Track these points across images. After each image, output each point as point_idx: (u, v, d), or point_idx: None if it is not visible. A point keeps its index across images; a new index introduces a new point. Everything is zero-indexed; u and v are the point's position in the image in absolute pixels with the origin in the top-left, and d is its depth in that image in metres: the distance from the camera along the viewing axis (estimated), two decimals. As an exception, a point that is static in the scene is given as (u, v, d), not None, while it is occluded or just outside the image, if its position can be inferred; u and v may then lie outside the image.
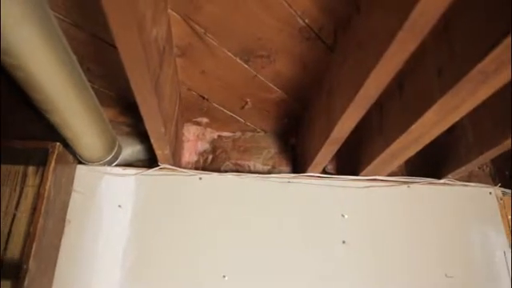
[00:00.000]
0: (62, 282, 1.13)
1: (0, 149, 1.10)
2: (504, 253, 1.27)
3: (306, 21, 0.90)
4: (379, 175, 1.28)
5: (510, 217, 1.33)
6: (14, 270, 1.00)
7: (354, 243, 1.24)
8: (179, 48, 1.01)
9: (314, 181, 1.29)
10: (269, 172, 1.38)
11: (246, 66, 1.07)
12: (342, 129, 0.96)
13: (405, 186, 1.32)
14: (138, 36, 0.61)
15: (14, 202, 1.12)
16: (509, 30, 0.57)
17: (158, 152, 1.13)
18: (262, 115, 1.34)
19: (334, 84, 0.97)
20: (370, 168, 1.21)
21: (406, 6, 0.57)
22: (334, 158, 1.34)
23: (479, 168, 1.47)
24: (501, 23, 0.59)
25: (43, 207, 1.03)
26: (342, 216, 1.27)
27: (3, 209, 1.10)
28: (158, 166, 1.22)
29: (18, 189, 1.13)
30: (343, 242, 1.24)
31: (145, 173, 1.25)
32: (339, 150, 1.10)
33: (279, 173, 1.36)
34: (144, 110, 0.87)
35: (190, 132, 1.42)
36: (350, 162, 1.33)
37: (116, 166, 1.25)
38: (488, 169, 1.47)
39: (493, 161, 1.46)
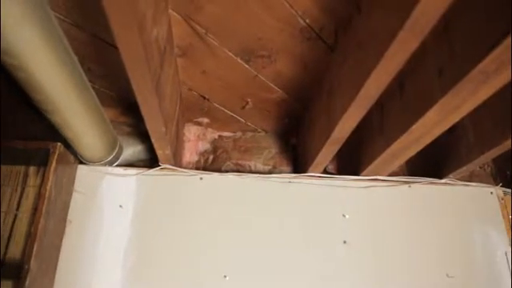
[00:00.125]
0: (63, 282, 1.13)
1: (1, 149, 1.10)
2: (505, 253, 1.27)
3: (307, 21, 0.90)
4: (380, 175, 1.28)
5: (511, 217, 1.32)
6: (16, 270, 1.01)
7: (355, 243, 1.24)
8: (180, 48, 1.01)
9: (314, 181, 1.29)
10: (270, 172, 1.38)
11: (247, 66, 1.07)
12: (342, 129, 0.96)
13: (406, 186, 1.32)
14: (139, 36, 0.61)
15: (15, 202, 1.12)
16: (509, 30, 0.57)
17: (159, 152, 1.13)
18: (263, 115, 1.34)
19: (335, 84, 0.97)
20: (370, 168, 1.21)
21: (406, 6, 0.57)
22: (335, 157, 1.34)
23: (480, 168, 1.47)
24: (501, 23, 0.59)
25: (44, 207, 1.04)
26: (343, 216, 1.27)
27: (4, 209, 1.11)
28: (159, 166, 1.22)
29: (19, 189, 1.14)
30: (344, 242, 1.24)
31: (146, 173, 1.25)
32: (340, 150, 1.10)
33: (280, 173, 1.36)
34: (145, 110, 0.87)
35: (191, 132, 1.42)
36: (350, 162, 1.33)
37: (117, 166, 1.25)
38: (489, 168, 1.47)
39: (494, 160, 1.46)
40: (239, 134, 1.45)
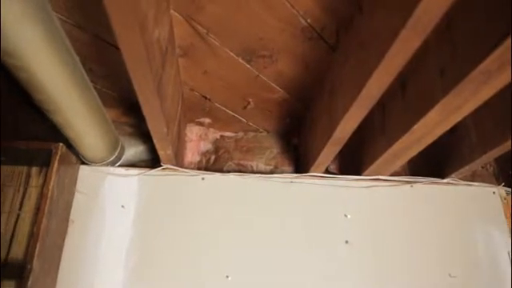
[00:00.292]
0: (66, 282, 1.13)
1: (3, 149, 1.10)
2: (508, 252, 1.27)
3: (309, 21, 0.90)
4: (382, 175, 1.28)
5: (513, 216, 1.32)
6: (18, 270, 1.01)
7: (357, 243, 1.24)
8: (181, 48, 1.01)
9: (316, 181, 1.29)
10: (271, 172, 1.38)
11: (248, 66, 1.07)
12: (344, 129, 0.96)
13: (408, 186, 1.32)
14: (141, 36, 0.61)
15: (18, 203, 1.12)
16: (509, 31, 0.57)
17: (161, 152, 1.13)
18: (265, 115, 1.34)
19: (336, 84, 0.97)
20: (372, 168, 1.21)
21: (409, 4, 0.57)
22: (337, 157, 1.34)
23: (483, 167, 1.46)
24: (501, 24, 0.59)
25: (46, 207, 1.04)
26: (345, 216, 1.27)
27: (7, 209, 1.11)
28: (161, 166, 1.22)
29: (21, 189, 1.14)
30: (346, 241, 1.24)
31: (147, 173, 1.25)
32: (342, 150, 1.10)
33: (282, 173, 1.36)
34: (146, 111, 0.87)
35: (193, 132, 1.42)
36: (352, 162, 1.33)
37: (119, 166, 1.26)
38: (491, 168, 1.47)
39: (496, 160, 1.46)
40: (241, 134, 1.45)
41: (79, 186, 1.22)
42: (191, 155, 1.40)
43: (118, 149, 1.19)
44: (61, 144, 1.10)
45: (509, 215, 1.31)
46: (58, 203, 1.11)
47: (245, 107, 1.29)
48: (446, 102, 0.76)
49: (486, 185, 1.35)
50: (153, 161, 1.29)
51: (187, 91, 1.21)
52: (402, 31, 0.60)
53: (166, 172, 1.25)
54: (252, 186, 1.28)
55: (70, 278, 1.14)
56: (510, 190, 1.35)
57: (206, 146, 1.42)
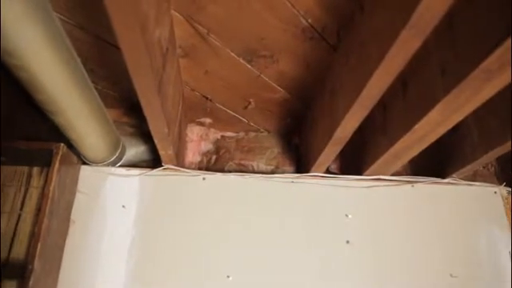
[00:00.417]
0: (67, 282, 1.13)
1: (5, 149, 1.10)
2: (509, 252, 1.26)
3: (309, 21, 0.90)
4: (383, 175, 1.28)
5: (514, 216, 1.32)
6: (20, 270, 1.01)
7: (358, 243, 1.24)
8: (182, 49, 1.01)
9: (317, 181, 1.29)
10: (272, 172, 1.38)
11: (249, 66, 1.07)
12: (345, 129, 0.96)
13: (409, 186, 1.32)
14: (141, 37, 0.61)
15: (19, 203, 1.13)
16: (509, 31, 0.57)
17: (162, 152, 1.13)
18: (266, 115, 1.34)
19: (337, 84, 0.97)
20: (373, 168, 1.21)
21: (409, 5, 0.57)
22: (338, 157, 1.34)
23: (484, 167, 1.46)
24: (501, 24, 0.59)
25: (48, 208, 1.04)
26: (346, 216, 1.27)
27: (8, 209, 1.11)
28: (162, 166, 1.22)
29: (22, 189, 1.14)
30: (347, 241, 1.24)
31: (148, 173, 1.25)
32: (343, 150, 1.10)
33: (283, 173, 1.36)
34: (147, 111, 0.87)
35: (194, 132, 1.42)
36: (353, 162, 1.33)
37: (120, 166, 1.26)
38: (493, 168, 1.47)
39: (498, 160, 1.45)
40: (242, 134, 1.45)
41: (80, 186, 1.23)
42: (192, 155, 1.40)
43: (119, 149, 1.19)
44: (62, 144, 1.11)
45: (510, 215, 1.31)
46: (59, 203, 1.11)
47: (246, 107, 1.29)
48: (447, 102, 0.76)
49: (488, 184, 1.35)
50: (154, 161, 1.29)
51: (188, 91, 1.21)
52: (403, 32, 0.60)
53: (167, 172, 1.25)
54: (253, 186, 1.28)
55: (71, 278, 1.14)
56: (511, 189, 1.35)
57: (206, 146, 1.42)
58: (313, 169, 1.25)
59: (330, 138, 1.01)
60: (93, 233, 1.19)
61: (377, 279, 1.21)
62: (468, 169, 1.22)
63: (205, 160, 1.40)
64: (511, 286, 1.22)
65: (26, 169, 1.16)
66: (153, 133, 0.99)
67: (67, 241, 1.17)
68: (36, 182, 1.15)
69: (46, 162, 1.11)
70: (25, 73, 0.73)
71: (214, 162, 1.40)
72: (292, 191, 1.28)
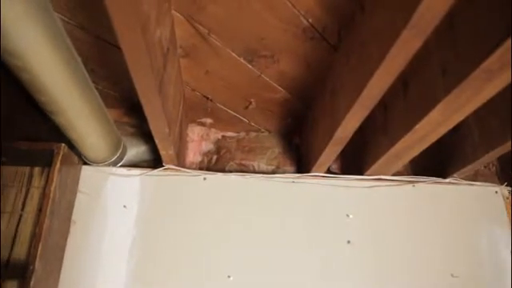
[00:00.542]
0: (68, 282, 1.14)
1: (6, 150, 1.10)
2: (510, 252, 1.26)
3: (310, 20, 0.90)
4: (384, 175, 1.28)
5: (516, 216, 1.32)
6: (21, 271, 1.01)
7: (359, 243, 1.24)
8: (183, 49, 1.01)
9: (318, 181, 1.29)
10: (273, 172, 1.38)
11: (250, 66, 1.07)
12: (346, 128, 0.96)
13: (410, 186, 1.31)
14: (142, 37, 0.61)
15: (20, 203, 1.13)
16: (509, 32, 0.57)
17: (163, 152, 1.13)
18: (266, 115, 1.34)
19: (338, 84, 0.97)
20: (374, 167, 1.21)
21: (410, 5, 0.57)
22: (339, 157, 1.34)
23: (485, 167, 1.46)
24: (501, 24, 0.59)
25: (49, 208, 1.04)
26: (347, 216, 1.27)
27: (9, 209, 1.11)
28: (163, 166, 1.23)
29: (23, 190, 1.14)
30: (348, 241, 1.24)
31: (149, 173, 1.26)
32: (343, 150, 1.10)
33: (283, 173, 1.36)
34: (148, 111, 0.87)
35: (195, 132, 1.42)
36: (354, 162, 1.33)
37: (121, 166, 1.26)
38: (494, 168, 1.46)
39: (499, 160, 1.45)
40: (242, 134, 1.45)
41: (81, 186, 1.23)
42: (193, 155, 1.40)
43: (120, 149, 1.19)
44: (63, 144, 1.11)
45: (511, 214, 1.31)
46: (60, 203, 1.11)
47: (246, 107, 1.29)
48: (448, 102, 0.76)
49: (489, 184, 1.35)
50: (155, 161, 1.29)
51: (189, 91, 1.21)
52: (404, 32, 0.60)
53: (168, 172, 1.25)
54: (254, 186, 1.28)
55: (72, 278, 1.14)
56: (512, 189, 1.34)
57: (207, 146, 1.42)
58: (314, 169, 1.25)
59: (330, 137, 1.01)
60: (94, 233, 1.19)
61: (378, 279, 1.21)
62: (469, 169, 1.22)
63: (205, 160, 1.40)
64: (512, 285, 1.22)
65: (27, 169, 1.17)
66: (154, 133, 0.99)
67: (68, 241, 1.17)
68: (37, 182, 1.15)
69: (47, 163, 1.11)
70: (26, 74, 0.73)
71: (215, 162, 1.40)
72: (293, 191, 1.28)
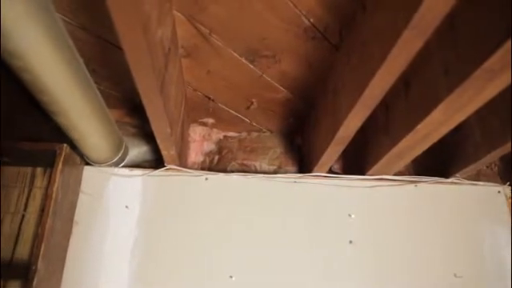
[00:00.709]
0: (70, 283, 1.14)
1: (8, 150, 1.11)
2: (513, 252, 1.26)
3: (311, 20, 0.90)
4: (386, 175, 1.28)
5: (518, 216, 1.31)
6: (23, 271, 1.02)
7: (361, 243, 1.24)
8: (184, 49, 1.01)
9: (320, 181, 1.29)
10: (275, 172, 1.38)
11: (252, 66, 1.07)
12: (347, 128, 0.96)
13: (412, 186, 1.31)
14: (143, 37, 0.61)
15: (23, 203, 1.13)
16: (509, 32, 0.57)
17: (164, 153, 1.13)
18: (268, 115, 1.34)
19: (340, 83, 0.97)
20: (376, 167, 1.20)
21: (411, 5, 0.57)
22: (341, 157, 1.33)
23: (487, 167, 1.45)
24: (501, 24, 0.59)
25: (51, 208, 1.04)
26: (349, 216, 1.27)
27: (12, 210, 1.12)
28: (165, 166, 1.23)
29: (26, 190, 1.15)
30: (350, 241, 1.24)
31: (151, 173, 1.26)
32: (345, 150, 1.09)
33: (285, 173, 1.36)
34: (150, 111, 0.87)
35: (196, 132, 1.42)
36: (356, 162, 1.33)
37: (123, 166, 1.26)
38: (496, 168, 1.46)
39: (501, 159, 1.45)
40: (244, 134, 1.45)
41: (83, 186, 1.23)
42: (195, 155, 1.40)
43: (122, 149, 1.19)
44: (65, 145, 1.11)
45: (514, 214, 1.31)
46: (63, 204, 1.11)
47: (248, 107, 1.29)
48: (449, 101, 0.76)
49: (491, 184, 1.34)
50: (156, 161, 1.29)
51: (190, 91, 1.21)
52: (405, 32, 0.60)
53: (170, 172, 1.25)
54: (255, 186, 1.28)
55: (74, 279, 1.15)
56: (515, 189, 1.34)
57: (209, 146, 1.42)
58: (315, 169, 1.24)
59: (332, 137, 1.01)
60: (96, 233, 1.19)
61: (380, 279, 1.21)
62: (471, 168, 1.22)
63: (207, 160, 1.40)
64: (514, 285, 1.22)
65: (29, 169, 1.17)
66: (155, 133, 0.99)
67: (71, 241, 1.17)
68: (39, 182, 1.16)
69: (49, 163, 1.11)
70: (28, 74, 0.73)
71: (217, 162, 1.40)
72: (294, 191, 1.28)
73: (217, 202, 1.25)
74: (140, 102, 0.82)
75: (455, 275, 1.22)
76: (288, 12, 0.88)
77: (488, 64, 0.63)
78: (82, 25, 0.95)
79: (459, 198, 1.31)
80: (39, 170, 1.17)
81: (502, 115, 1.01)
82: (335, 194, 1.28)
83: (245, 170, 1.38)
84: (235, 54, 1.02)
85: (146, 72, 0.71)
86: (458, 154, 1.24)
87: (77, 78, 0.82)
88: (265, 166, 1.40)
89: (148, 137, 1.26)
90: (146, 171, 1.26)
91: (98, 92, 0.94)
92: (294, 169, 1.41)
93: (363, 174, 1.28)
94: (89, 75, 0.87)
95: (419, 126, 0.88)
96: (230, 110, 1.32)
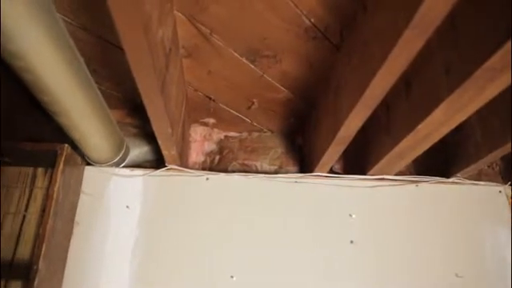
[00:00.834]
0: (71, 283, 1.14)
1: (9, 150, 1.11)
2: (514, 252, 1.26)
3: (312, 20, 0.90)
4: (387, 174, 1.27)
5: (520, 216, 1.31)
6: (25, 271, 1.02)
7: (362, 243, 1.24)
8: (185, 49, 1.01)
9: (321, 181, 1.29)
10: (276, 172, 1.38)
11: (253, 66, 1.07)
12: (348, 128, 0.95)
13: (413, 186, 1.31)
14: (144, 37, 0.61)
15: (24, 204, 1.13)
16: (509, 33, 0.57)
17: (165, 153, 1.13)
18: (269, 115, 1.34)
19: (341, 83, 0.97)
20: (377, 167, 1.20)
21: (412, 4, 0.57)
22: (341, 157, 1.33)
23: (488, 166, 1.45)
24: (502, 24, 0.59)
25: (52, 208, 1.04)
26: (350, 216, 1.27)
27: (13, 210, 1.12)
28: (166, 166, 1.23)
29: (27, 190, 1.15)
30: (351, 241, 1.24)
31: (152, 174, 1.26)
32: (346, 150, 1.09)
33: (286, 173, 1.36)
34: (151, 111, 0.87)
35: (197, 132, 1.42)
36: (357, 162, 1.33)
37: (124, 167, 1.26)
38: (497, 167, 1.46)
39: (502, 159, 1.45)
40: (245, 134, 1.45)
41: (84, 186, 1.23)
42: (196, 155, 1.40)
43: (123, 150, 1.19)
44: (66, 145, 1.11)
45: (515, 214, 1.30)
46: (64, 204, 1.11)
47: (249, 107, 1.29)
48: (451, 101, 0.76)
49: (492, 184, 1.34)
50: (157, 161, 1.29)
51: (191, 92, 1.21)
52: (406, 31, 0.60)
53: (171, 172, 1.25)
54: (256, 186, 1.28)
55: (75, 279, 1.15)
56: (516, 188, 1.34)
57: (210, 146, 1.42)
58: (316, 169, 1.24)
59: (333, 137, 1.01)
60: (97, 233, 1.19)
61: (381, 279, 1.20)
62: (472, 168, 1.22)
63: (208, 160, 1.40)
64: (516, 285, 1.22)
65: (30, 170, 1.17)
66: (156, 133, 0.99)
67: (72, 241, 1.18)
68: (40, 182, 1.16)
69: (50, 163, 1.11)
70: (29, 74, 0.73)
71: (218, 162, 1.40)
72: (295, 191, 1.28)
73: (218, 202, 1.25)
74: (141, 102, 0.82)
75: (456, 275, 1.22)
76: (289, 12, 0.88)
77: (489, 63, 0.63)
78: (82, 25, 0.95)
79: (460, 197, 1.31)
80: (40, 170, 1.17)
81: (502, 115, 1.01)
82: (336, 194, 1.28)
83: (246, 170, 1.38)
84: (236, 54, 1.02)
85: (146, 72, 0.71)
86: (459, 153, 1.24)
87: (78, 78, 0.82)
88: (266, 166, 1.40)
89: (149, 137, 1.26)
90: (147, 171, 1.26)
91: (98, 92, 0.94)
92: (294, 169, 1.41)
93: (364, 173, 1.28)
94: (90, 75, 0.87)
95: (420, 126, 0.88)
96: (231, 110, 1.32)
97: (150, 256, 1.19)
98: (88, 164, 1.24)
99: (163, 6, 0.75)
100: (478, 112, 0.82)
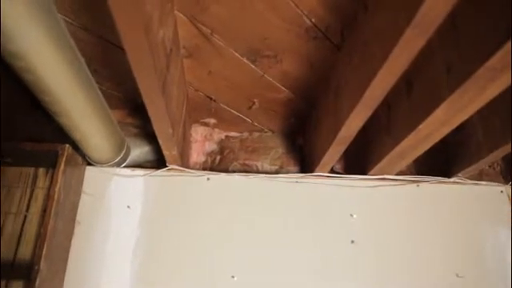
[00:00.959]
0: (73, 283, 1.14)
1: (10, 151, 1.11)
2: (515, 251, 1.26)
3: (313, 20, 0.90)
4: (388, 174, 1.27)
5: (521, 215, 1.31)
6: (26, 271, 1.02)
7: (363, 243, 1.23)
8: (186, 49, 1.01)
9: (322, 181, 1.29)
10: (276, 172, 1.38)
11: (253, 66, 1.07)
12: (349, 128, 0.95)
13: (414, 185, 1.31)
14: (145, 37, 0.61)
15: (25, 204, 1.13)
16: (509, 33, 0.57)
17: (166, 153, 1.13)
18: (270, 115, 1.34)
19: (341, 83, 0.97)
20: (378, 167, 1.20)
21: (413, 4, 0.57)
22: (342, 157, 1.33)
23: (490, 166, 1.45)
24: (502, 25, 0.59)
25: (53, 209, 1.04)
26: (351, 216, 1.27)
27: (14, 210, 1.12)
28: (166, 166, 1.23)
29: (28, 190, 1.15)
30: (352, 241, 1.24)
31: (153, 174, 1.26)
32: (347, 150, 1.09)
33: (287, 173, 1.36)
34: (152, 112, 0.87)
35: (198, 133, 1.42)
36: (358, 162, 1.33)
37: (125, 167, 1.26)
38: (499, 167, 1.46)
39: (504, 159, 1.44)
40: (246, 134, 1.45)
41: (85, 187, 1.23)
42: (196, 156, 1.40)
43: (124, 150, 1.19)
44: (67, 145, 1.11)
45: (516, 214, 1.30)
46: (65, 204, 1.11)
47: (250, 107, 1.29)
48: (452, 101, 0.76)
49: (494, 184, 1.34)
50: (158, 161, 1.29)
51: (192, 92, 1.21)
52: (406, 31, 0.60)
53: (172, 172, 1.25)
54: (257, 186, 1.28)
55: (77, 279, 1.15)
56: (517, 188, 1.34)
57: (211, 146, 1.42)
58: (317, 169, 1.24)
59: (334, 137, 1.01)
60: (98, 233, 1.20)
61: (382, 279, 1.20)
62: (473, 168, 1.21)
63: (209, 160, 1.40)
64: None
65: (31, 170, 1.17)
66: (157, 133, 1.00)
67: (73, 241, 1.18)
68: (41, 183, 1.16)
69: (51, 163, 1.11)
70: (29, 74, 0.73)
71: (219, 163, 1.40)
72: (296, 191, 1.28)
73: (218, 202, 1.25)
74: (142, 102, 0.82)
75: (457, 275, 1.21)
76: (289, 12, 0.88)
77: (490, 63, 0.63)
78: (83, 25, 0.95)
79: (461, 197, 1.31)
80: (41, 170, 1.17)
81: (502, 115, 1.01)
82: (337, 194, 1.28)
83: (246, 170, 1.38)
84: (237, 54, 1.02)
85: (147, 72, 0.71)
86: (461, 153, 1.24)
87: (79, 78, 0.82)
88: (266, 166, 1.40)
89: (150, 137, 1.26)
90: (148, 171, 1.26)
91: (99, 92, 0.94)
92: (295, 169, 1.41)
93: (365, 173, 1.28)
94: (90, 75, 0.87)
95: (421, 126, 0.88)
96: (232, 110, 1.32)
97: (151, 256, 1.19)
98: (89, 164, 1.24)
99: (164, 6, 0.75)
100: (479, 112, 0.82)
